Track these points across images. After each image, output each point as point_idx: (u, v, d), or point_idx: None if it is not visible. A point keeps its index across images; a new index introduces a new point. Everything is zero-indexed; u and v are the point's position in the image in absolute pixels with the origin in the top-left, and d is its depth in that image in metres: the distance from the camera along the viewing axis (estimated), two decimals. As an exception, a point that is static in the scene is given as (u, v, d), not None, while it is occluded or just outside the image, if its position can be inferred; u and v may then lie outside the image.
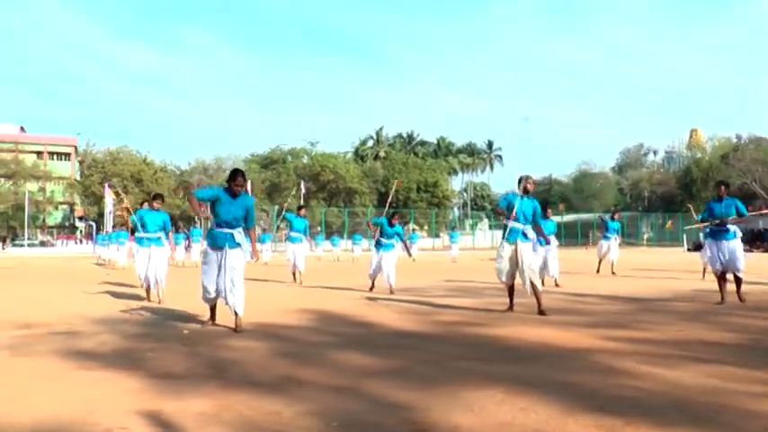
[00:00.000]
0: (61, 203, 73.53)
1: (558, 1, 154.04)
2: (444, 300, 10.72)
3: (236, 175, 7.37)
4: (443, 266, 24.78)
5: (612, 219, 18.56)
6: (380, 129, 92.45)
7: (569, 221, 68.75)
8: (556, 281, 13.63)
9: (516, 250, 8.63)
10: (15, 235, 65.68)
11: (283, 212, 17.51)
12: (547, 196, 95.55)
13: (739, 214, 9.94)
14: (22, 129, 77.86)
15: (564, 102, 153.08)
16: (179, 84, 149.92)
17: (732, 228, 9.87)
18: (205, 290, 7.49)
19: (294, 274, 15.21)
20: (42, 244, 60.99)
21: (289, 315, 8.63)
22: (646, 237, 66.27)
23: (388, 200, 12.06)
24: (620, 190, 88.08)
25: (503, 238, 8.83)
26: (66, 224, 75.60)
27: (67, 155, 77.93)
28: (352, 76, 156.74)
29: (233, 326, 7.24)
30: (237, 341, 6.55)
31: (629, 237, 61.02)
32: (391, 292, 11.97)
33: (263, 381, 4.74)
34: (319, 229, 57.76)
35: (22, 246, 56.85)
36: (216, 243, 7.41)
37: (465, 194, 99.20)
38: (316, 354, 5.82)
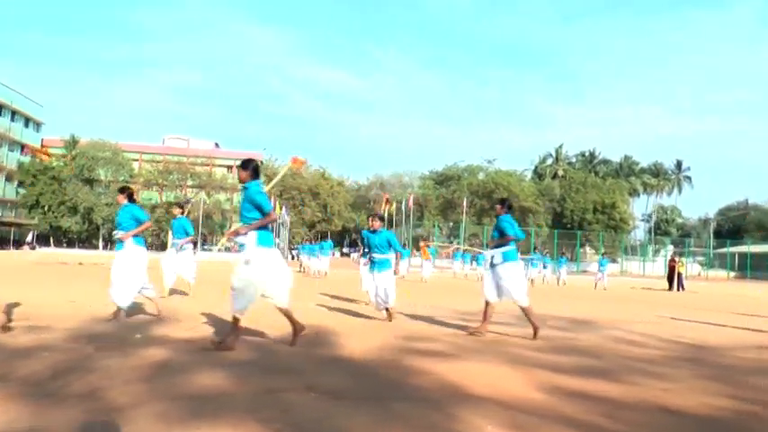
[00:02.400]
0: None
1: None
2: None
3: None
4: (581, 293, 23.34)
5: None
6: (560, 146, 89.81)
7: (760, 252, 62.52)
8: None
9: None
10: (205, 241, 70.69)
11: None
12: (741, 223, 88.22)
13: (501, 235, 8.54)
14: (216, 144, 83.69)
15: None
16: (365, 101, 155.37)
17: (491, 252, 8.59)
18: None
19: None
20: (227, 249, 64.85)
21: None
22: None
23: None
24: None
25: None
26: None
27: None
28: (538, 92, 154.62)
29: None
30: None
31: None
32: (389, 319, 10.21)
33: None
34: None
35: (210, 251, 60.72)
36: None
37: (650, 217, 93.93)
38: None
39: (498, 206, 9.05)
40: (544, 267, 30.88)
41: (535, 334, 8.49)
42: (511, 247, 8.59)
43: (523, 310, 8.59)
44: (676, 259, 32.03)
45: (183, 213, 12.91)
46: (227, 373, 5.36)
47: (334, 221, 71.64)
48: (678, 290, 29.50)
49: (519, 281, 8.58)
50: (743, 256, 62.68)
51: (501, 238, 8.60)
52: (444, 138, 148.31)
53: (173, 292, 12.66)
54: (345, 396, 4.68)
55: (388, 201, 49.48)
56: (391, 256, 10.29)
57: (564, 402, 4.80)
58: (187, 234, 12.50)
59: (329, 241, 31.03)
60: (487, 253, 8.85)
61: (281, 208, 58.35)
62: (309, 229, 68.87)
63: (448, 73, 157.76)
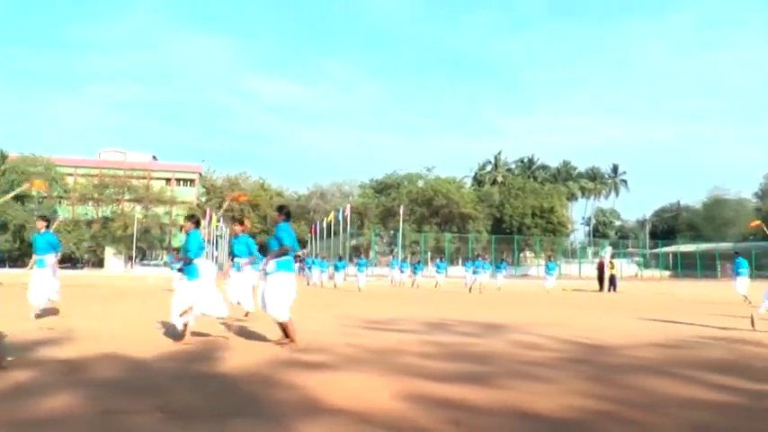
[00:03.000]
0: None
1: (709, 16, 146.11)
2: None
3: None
4: (513, 297, 23.49)
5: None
6: (499, 153, 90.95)
7: (690, 251, 64.28)
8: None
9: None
10: (144, 255, 69.24)
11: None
12: (674, 224, 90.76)
13: (279, 244, 8.20)
14: (153, 157, 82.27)
15: (702, 123, 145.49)
16: (308, 110, 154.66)
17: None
18: None
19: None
20: (165, 264, 63.80)
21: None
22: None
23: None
24: (764, 218, 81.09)
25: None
26: (190, 246, 78.45)
27: (192, 181, 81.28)
28: (478, 100, 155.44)
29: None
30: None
31: (761, 269, 56.38)
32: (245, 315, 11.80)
33: None
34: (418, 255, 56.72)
35: (148, 265, 59.55)
36: None
37: (589, 221, 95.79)
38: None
39: (276, 213, 8.88)
40: (478, 272, 30.22)
41: (287, 342, 8.17)
42: (286, 258, 8.24)
43: (280, 324, 8.20)
44: (605, 261, 32.57)
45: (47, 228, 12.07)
46: (83, 394, 5.13)
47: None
48: (609, 290, 29.99)
49: (279, 293, 8.02)
50: (675, 255, 64.44)
51: (279, 249, 8.19)
52: (386, 146, 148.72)
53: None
54: (191, 416, 4.52)
55: (240, 197, 49.30)
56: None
57: (418, 411, 4.70)
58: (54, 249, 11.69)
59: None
60: (263, 263, 8.57)
61: (218, 221, 57.55)
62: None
63: (390, 82, 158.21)
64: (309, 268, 33.24)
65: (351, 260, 45.66)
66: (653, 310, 17.21)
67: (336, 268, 30.95)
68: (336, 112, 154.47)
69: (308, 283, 31.05)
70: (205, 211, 62.75)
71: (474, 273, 28.59)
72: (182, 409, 4.71)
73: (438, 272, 33.76)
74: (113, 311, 13.62)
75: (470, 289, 27.57)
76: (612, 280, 30.87)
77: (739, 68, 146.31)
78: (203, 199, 73.64)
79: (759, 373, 7.10)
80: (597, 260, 36.48)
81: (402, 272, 35.73)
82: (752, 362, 7.94)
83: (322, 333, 9.84)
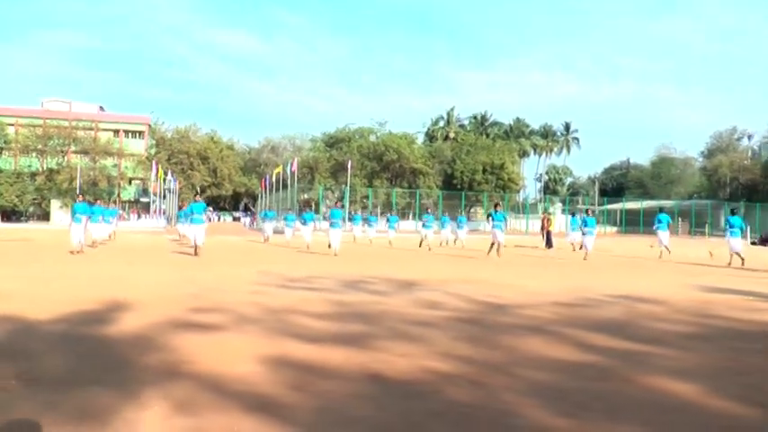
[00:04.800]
0: (134, 179, 75.10)
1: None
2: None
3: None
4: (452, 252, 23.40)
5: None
6: (452, 109, 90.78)
7: (635, 208, 65.52)
8: None
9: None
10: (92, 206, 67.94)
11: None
12: (623, 181, 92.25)
13: None
14: (101, 108, 79.89)
15: (654, 82, 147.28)
16: (264, 64, 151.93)
17: None
18: None
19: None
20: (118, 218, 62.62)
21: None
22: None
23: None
24: (708, 177, 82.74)
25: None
26: (139, 199, 77.20)
27: (141, 133, 79.48)
28: (434, 56, 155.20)
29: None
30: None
31: (701, 226, 57.89)
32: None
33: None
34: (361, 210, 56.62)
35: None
36: None
37: (541, 177, 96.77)
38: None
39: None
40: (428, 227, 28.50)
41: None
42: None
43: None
44: (547, 217, 32.69)
45: None
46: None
47: (224, 186, 70.14)
48: (548, 247, 30.26)
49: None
50: (621, 212, 65.65)
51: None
52: (339, 101, 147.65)
53: None
54: (45, 383, 4.50)
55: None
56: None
57: (270, 375, 4.79)
58: None
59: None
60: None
61: (166, 173, 56.67)
62: (199, 195, 67.25)
63: (345, 36, 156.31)
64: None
65: (299, 214, 45.40)
66: (580, 267, 17.53)
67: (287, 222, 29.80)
68: (289, 66, 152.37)
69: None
70: (153, 164, 61.83)
71: (424, 226, 27.20)
72: (41, 375, 4.69)
73: (390, 227, 32.08)
74: (29, 268, 13.37)
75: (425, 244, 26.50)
76: (548, 236, 30.99)
77: (691, 33, 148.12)
78: (152, 151, 72.18)
79: (640, 332, 7.31)
80: (542, 215, 36.55)
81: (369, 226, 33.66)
82: (641, 321, 8.19)
83: (230, 292, 9.82)
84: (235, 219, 76.55)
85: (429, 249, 25.09)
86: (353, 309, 8.44)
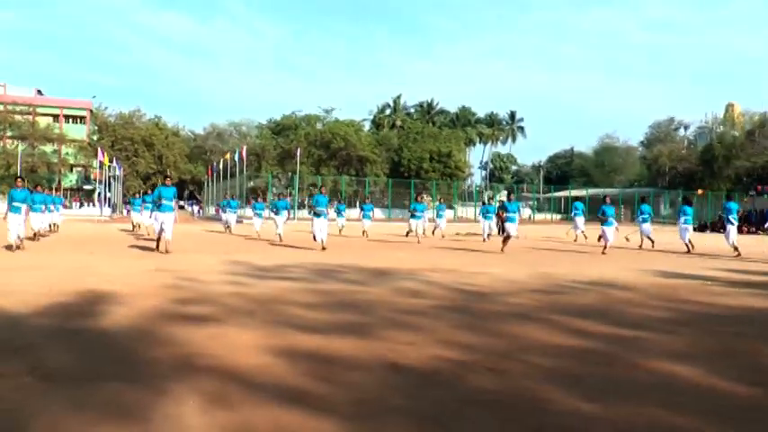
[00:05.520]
0: (75, 166, 73.08)
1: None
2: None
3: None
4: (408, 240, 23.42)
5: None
6: (398, 97, 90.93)
7: (580, 196, 67.10)
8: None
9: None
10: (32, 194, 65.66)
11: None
12: (567, 170, 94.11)
13: None
14: (39, 92, 77.29)
15: (597, 73, 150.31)
16: (205, 48, 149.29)
17: None
18: None
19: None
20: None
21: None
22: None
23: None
24: (648, 166, 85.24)
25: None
26: (81, 187, 75.20)
27: (82, 118, 77.30)
28: (380, 44, 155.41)
29: None
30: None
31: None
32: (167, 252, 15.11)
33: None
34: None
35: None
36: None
37: (486, 165, 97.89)
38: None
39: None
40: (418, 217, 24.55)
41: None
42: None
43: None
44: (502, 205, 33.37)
45: None
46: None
47: (170, 173, 68.86)
48: (501, 234, 30.73)
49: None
50: (567, 199, 67.04)
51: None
52: (285, 87, 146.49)
53: None
54: (62, 379, 4.39)
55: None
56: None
57: (289, 366, 4.81)
58: None
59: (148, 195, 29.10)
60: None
61: (111, 160, 55.29)
62: (144, 182, 65.77)
63: (288, 22, 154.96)
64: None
65: (247, 203, 44.98)
66: (538, 255, 17.93)
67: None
68: (233, 51, 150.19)
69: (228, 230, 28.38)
70: (97, 150, 60.16)
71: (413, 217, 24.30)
72: (54, 371, 4.57)
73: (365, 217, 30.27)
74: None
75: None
76: (503, 223, 31.53)
77: (634, 25, 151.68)
78: (95, 137, 70.23)
79: (624, 318, 7.57)
80: (498, 203, 37.12)
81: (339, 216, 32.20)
82: (620, 307, 8.48)
83: (207, 282, 9.74)
84: (180, 207, 75.27)
85: (442, 237, 26.01)
86: (339, 298, 8.48)
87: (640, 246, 21.16)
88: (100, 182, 70.68)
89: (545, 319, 7.31)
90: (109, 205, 54.89)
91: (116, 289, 8.68)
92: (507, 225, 18.37)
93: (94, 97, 76.38)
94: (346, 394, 4.12)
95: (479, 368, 4.91)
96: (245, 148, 47.93)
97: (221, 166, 53.10)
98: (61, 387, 4.17)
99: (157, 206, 15.56)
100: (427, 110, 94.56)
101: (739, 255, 18.09)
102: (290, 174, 65.67)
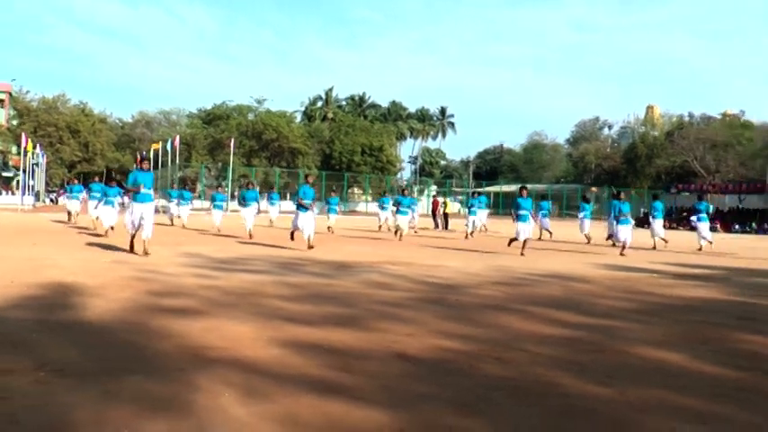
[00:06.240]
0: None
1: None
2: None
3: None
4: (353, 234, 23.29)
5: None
6: (330, 89, 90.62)
7: (510, 191, 68.79)
8: None
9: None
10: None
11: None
12: (496, 165, 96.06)
13: None
14: (-49, 74, 73.43)
15: (525, 71, 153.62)
16: (131, 33, 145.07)
17: None
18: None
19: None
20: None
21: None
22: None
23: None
24: (575, 163, 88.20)
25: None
26: (1, 174, 71.97)
27: (0, 101, 73.91)
28: (310, 35, 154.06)
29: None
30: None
31: (573, 210, 61.46)
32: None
33: None
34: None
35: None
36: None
37: (416, 160, 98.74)
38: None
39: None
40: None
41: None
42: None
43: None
44: (440, 200, 34.14)
45: None
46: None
47: (96, 162, 66.58)
48: (444, 229, 31.34)
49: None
50: (497, 195, 68.40)
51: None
52: (214, 76, 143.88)
53: None
54: (76, 372, 4.28)
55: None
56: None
57: (302, 357, 4.85)
58: None
59: (79, 185, 28.02)
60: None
61: (34, 147, 53.17)
62: (69, 170, 63.45)
63: (215, 9, 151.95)
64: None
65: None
66: (481, 247, 18.34)
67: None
68: (160, 37, 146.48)
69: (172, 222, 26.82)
70: (20, 137, 57.67)
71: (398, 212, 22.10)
72: (64, 366, 4.43)
73: (271, 204, 29.40)
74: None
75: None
76: (446, 218, 32.29)
77: (561, 24, 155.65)
78: (15, 122, 67.23)
79: (594, 309, 7.93)
80: (432, 199, 37.83)
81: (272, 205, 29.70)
82: (585, 298, 8.84)
83: (172, 275, 9.62)
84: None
85: (415, 232, 25.17)
86: (313, 291, 8.50)
87: (539, 238, 22.53)
88: (21, 169, 67.86)
89: (521, 310, 7.58)
90: (32, 193, 52.78)
91: (82, 281, 8.44)
92: (520, 225, 15.74)
93: (14, 80, 72.95)
94: (372, 383, 4.20)
95: (486, 357, 5.08)
96: (177, 137, 46.87)
97: (151, 155, 51.81)
98: (82, 382, 4.07)
99: (133, 196, 12.38)
100: (359, 103, 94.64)
101: (667, 242, 20.96)
102: (220, 164, 64.80)
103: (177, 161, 47.93)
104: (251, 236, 18.31)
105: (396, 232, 21.38)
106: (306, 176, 15.53)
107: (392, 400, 3.86)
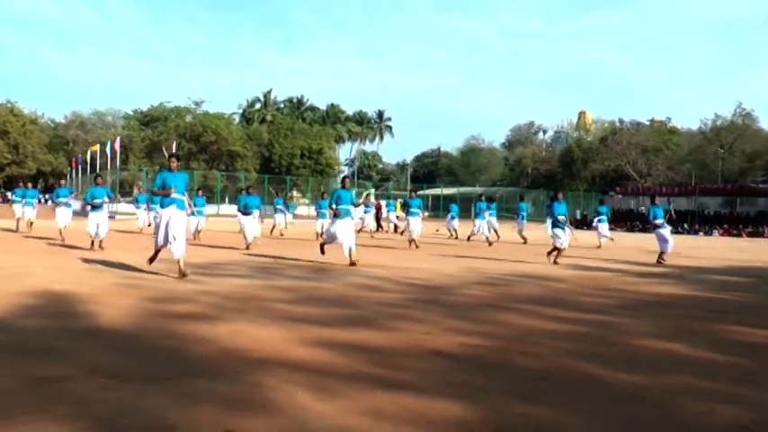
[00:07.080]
0: None
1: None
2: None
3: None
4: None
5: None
6: (269, 91, 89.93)
7: (450, 194, 69.99)
8: None
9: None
10: None
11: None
12: (434, 169, 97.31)
13: None
14: None
15: (461, 76, 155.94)
16: (58, 30, 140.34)
17: None
18: None
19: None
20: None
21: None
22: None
23: None
24: (511, 167, 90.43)
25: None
26: None
27: None
28: (246, 36, 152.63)
29: None
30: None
31: (510, 212, 62.90)
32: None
33: None
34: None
35: None
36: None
37: (353, 162, 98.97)
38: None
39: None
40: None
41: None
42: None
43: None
44: (382, 203, 34.72)
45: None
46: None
47: (27, 164, 64.41)
48: (387, 231, 31.98)
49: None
50: (436, 197, 69.36)
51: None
52: (149, 76, 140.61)
53: None
54: (135, 378, 4.28)
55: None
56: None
57: (346, 357, 5.01)
58: None
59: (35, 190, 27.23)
60: None
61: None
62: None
63: (147, 7, 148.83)
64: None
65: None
66: (437, 248, 18.75)
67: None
68: (89, 35, 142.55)
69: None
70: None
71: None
72: (115, 371, 4.42)
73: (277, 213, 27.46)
74: None
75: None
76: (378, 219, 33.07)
77: (494, 32, 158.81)
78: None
79: (580, 305, 8.37)
80: (375, 202, 38.21)
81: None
82: (567, 296, 9.28)
83: (159, 280, 9.63)
84: (40, 201, 70.51)
85: (401, 234, 25.94)
86: (306, 294, 8.60)
87: (450, 236, 25.51)
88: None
89: (515, 308, 7.94)
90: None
91: (71, 289, 8.31)
92: (557, 232, 14.81)
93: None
94: (428, 378, 4.42)
95: (512, 352, 5.39)
96: (118, 139, 45.88)
97: (88, 158, 50.62)
98: (149, 385, 4.10)
99: (161, 201, 10.74)
100: (297, 105, 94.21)
101: (613, 240, 24.39)
102: (157, 167, 63.57)
103: (118, 164, 46.96)
104: (248, 247, 16.55)
105: (409, 241, 19.66)
106: (343, 180, 13.56)
107: (458, 393, 4.08)
